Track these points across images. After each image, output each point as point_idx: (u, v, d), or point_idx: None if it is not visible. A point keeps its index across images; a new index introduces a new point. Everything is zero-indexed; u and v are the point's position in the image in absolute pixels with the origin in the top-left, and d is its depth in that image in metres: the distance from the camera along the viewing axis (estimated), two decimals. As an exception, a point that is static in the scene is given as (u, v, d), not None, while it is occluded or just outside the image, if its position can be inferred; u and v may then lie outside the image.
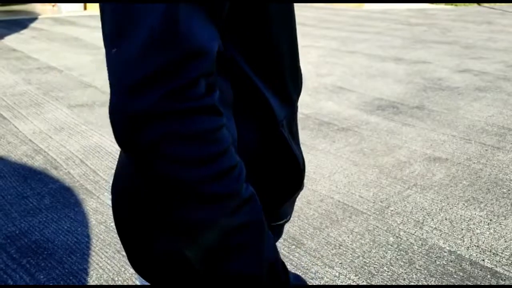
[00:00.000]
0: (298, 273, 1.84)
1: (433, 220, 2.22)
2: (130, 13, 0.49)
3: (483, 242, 2.04)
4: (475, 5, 11.82)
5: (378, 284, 1.78)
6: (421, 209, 2.31)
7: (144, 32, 0.48)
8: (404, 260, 1.92)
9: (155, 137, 0.48)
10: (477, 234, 2.11)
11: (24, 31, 7.52)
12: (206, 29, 0.50)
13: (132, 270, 1.84)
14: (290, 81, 0.71)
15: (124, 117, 0.48)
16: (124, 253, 1.95)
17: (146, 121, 0.47)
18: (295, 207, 2.30)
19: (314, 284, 1.79)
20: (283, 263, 0.61)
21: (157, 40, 0.47)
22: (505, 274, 1.83)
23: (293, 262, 1.89)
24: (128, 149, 0.50)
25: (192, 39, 0.49)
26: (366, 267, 1.87)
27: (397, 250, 1.98)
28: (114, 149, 2.99)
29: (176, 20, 0.48)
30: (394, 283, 1.78)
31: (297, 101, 0.75)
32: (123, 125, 0.48)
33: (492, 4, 11.78)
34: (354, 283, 1.78)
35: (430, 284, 1.78)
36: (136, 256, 0.73)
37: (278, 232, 0.80)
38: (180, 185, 0.50)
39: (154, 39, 0.47)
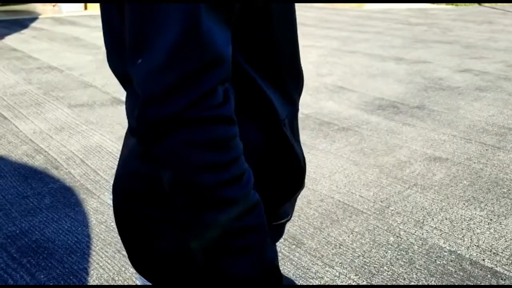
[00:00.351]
0: (299, 273, 1.84)
1: (433, 219, 2.22)
2: (152, 22, 0.50)
3: (483, 242, 2.04)
4: (476, 5, 11.81)
5: (378, 283, 1.78)
6: (421, 209, 2.31)
7: (167, 41, 0.49)
8: (404, 260, 1.92)
9: (176, 143, 0.50)
10: (477, 234, 2.11)
11: (25, 31, 7.52)
12: (223, 34, 0.52)
13: (132, 270, 1.84)
14: (292, 80, 0.71)
15: (148, 125, 0.50)
16: (124, 252, 1.95)
17: (169, 128, 0.49)
18: (295, 207, 2.30)
19: (314, 283, 1.79)
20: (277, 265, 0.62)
21: (180, 49, 0.49)
22: (505, 274, 1.83)
23: (293, 262, 1.90)
24: (151, 154, 0.52)
25: (212, 47, 0.50)
26: (366, 267, 1.87)
27: (397, 249, 1.99)
28: (114, 149, 2.99)
29: (198, 28, 0.49)
30: (394, 283, 1.78)
31: (299, 100, 0.75)
32: (148, 132, 0.51)
33: (493, 4, 11.76)
34: (354, 283, 1.78)
35: (430, 283, 1.78)
36: (137, 256, 0.73)
37: (279, 232, 0.81)
38: (195, 189, 0.52)
39: (177, 48, 0.49)
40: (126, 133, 0.74)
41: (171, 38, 0.49)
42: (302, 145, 2.93)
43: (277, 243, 1.31)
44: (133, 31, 0.51)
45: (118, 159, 2.95)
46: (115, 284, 1.77)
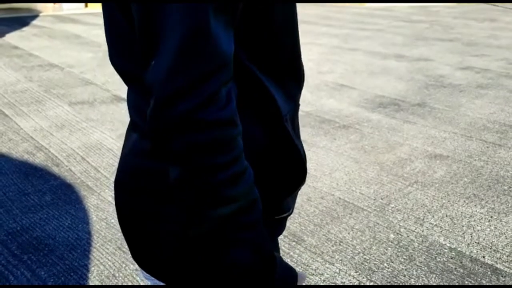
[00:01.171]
0: (299, 270, 1.84)
1: (433, 217, 2.22)
2: (161, 25, 0.51)
3: (484, 239, 2.04)
4: (479, 4, 11.77)
5: (378, 280, 1.78)
6: (421, 206, 2.31)
7: (176, 45, 0.50)
8: (405, 257, 1.92)
9: (183, 144, 0.52)
10: (478, 231, 2.11)
11: (26, 29, 7.52)
12: (227, 35, 0.54)
13: (133, 266, 1.85)
14: (293, 77, 0.72)
15: (159, 125, 0.53)
16: (124, 249, 1.95)
17: (177, 130, 0.52)
18: (295, 204, 2.30)
19: (314, 280, 1.79)
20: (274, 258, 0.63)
21: (188, 52, 0.50)
22: (506, 271, 1.83)
23: (294, 259, 1.90)
24: (158, 152, 0.55)
25: (218, 50, 0.52)
26: (366, 264, 1.87)
27: (397, 246, 1.99)
28: (115, 146, 3.00)
29: (206, 32, 0.51)
30: (394, 280, 1.78)
31: (299, 97, 0.76)
32: (158, 132, 0.53)
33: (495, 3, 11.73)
34: (354, 280, 1.78)
35: (430, 280, 1.78)
36: (139, 250, 0.73)
37: (281, 226, 0.82)
38: (199, 186, 0.54)
39: (185, 51, 0.50)
40: (127, 130, 0.74)
41: (180, 42, 0.50)
42: (302, 142, 2.93)
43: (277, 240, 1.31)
44: (143, 34, 0.53)
45: (118, 156, 2.94)
46: (115, 280, 1.78)
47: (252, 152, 0.64)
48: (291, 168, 0.74)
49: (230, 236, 0.57)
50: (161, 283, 0.74)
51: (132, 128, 0.72)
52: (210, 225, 0.56)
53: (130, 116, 0.71)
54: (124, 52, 0.65)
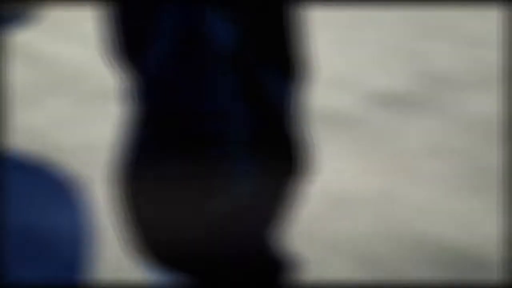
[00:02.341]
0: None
1: (434, 212, 2.22)
2: (156, 18, 0.52)
3: (484, 234, 2.04)
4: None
5: (377, 275, 1.79)
6: (422, 201, 2.31)
7: (170, 36, 0.51)
8: (405, 252, 1.92)
9: (178, 137, 0.54)
10: (478, 226, 2.10)
11: (30, 25, 7.56)
12: (225, 28, 0.55)
13: (133, 262, 1.86)
14: (293, 67, 0.72)
15: (153, 119, 0.55)
16: (125, 245, 1.97)
17: (171, 123, 0.53)
18: (295, 199, 2.31)
19: (313, 274, 1.80)
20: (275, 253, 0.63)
21: (183, 45, 0.52)
22: (506, 265, 1.83)
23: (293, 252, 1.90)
24: (158, 145, 0.57)
25: (216, 43, 0.53)
26: (365, 258, 1.88)
27: (397, 241, 1.99)
28: (115, 143, 3.01)
29: (202, 23, 0.51)
30: (394, 274, 1.79)
31: (299, 89, 0.76)
32: (153, 125, 0.55)
33: None
34: (354, 274, 1.79)
35: (430, 275, 1.78)
36: (141, 239, 0.74)
37: (282, 216, 0.82)
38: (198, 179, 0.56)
39: (180, 43, 0.52)
40: (129, 122, 0.75)
41: (174, 33, 0.51)
42: (302, 138, 2.93)
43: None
44: (139, 25, 0.54)
45: (119, 153, 2.96)
46: (115, 275, 1.79)
47: (246, 142, 0.64)
48: (285, 158, 0.74)
49: (228, 230, 0.57)
50: (163, 274, 0.74)
51: (133, 119, 0.72)
52: (208, 218, 0.56)
53: (132, 108, 0.71)
54: (126, 45, 0.66)
